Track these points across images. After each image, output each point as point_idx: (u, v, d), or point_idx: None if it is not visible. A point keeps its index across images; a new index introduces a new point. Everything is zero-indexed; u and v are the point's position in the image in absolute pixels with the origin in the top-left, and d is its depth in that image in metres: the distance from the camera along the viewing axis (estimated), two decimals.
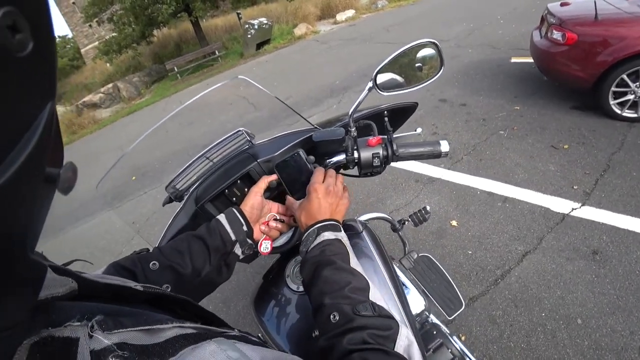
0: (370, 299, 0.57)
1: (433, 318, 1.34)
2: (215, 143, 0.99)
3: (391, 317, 0.54)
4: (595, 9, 3.01)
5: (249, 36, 11.91)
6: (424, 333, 1.29)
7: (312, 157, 0.86)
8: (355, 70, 6.49)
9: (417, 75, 0.93)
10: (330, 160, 0.92)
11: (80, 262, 0.57)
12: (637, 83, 2.99)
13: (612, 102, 3.14)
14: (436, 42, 0.86)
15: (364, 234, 0.99)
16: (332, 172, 0.81)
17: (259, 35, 12.03)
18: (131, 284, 0.43)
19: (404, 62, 0.91)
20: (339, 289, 0.56)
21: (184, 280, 0.67)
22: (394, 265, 1.07)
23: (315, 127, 0.98)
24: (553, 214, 2.46)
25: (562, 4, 3.50)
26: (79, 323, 0.31)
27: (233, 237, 0.74)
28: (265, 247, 0.83)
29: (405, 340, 0.51)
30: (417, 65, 0.92)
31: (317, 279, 0.60)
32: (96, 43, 17.93)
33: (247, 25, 12.00)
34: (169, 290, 0.64)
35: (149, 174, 4.79)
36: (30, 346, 0.26)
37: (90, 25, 17.38)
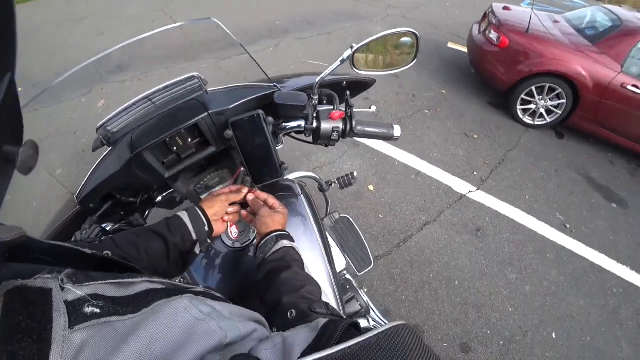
0: (323, 300, 0.64)
1: (346, 274, 1.49)
2: (162, 85, 0.88)
3: (342, 317, 0.61)
4: (530, 22, 3.35)
5: None
6: (339, 287, 1.43)
7: (270, 119, 0.82)
8: (299, 14, 6.09)
9: (390, 60, 0.95)
10: (287, 124, 0.90)
11: None
12: (541, 97, 3.50)
13: (518, 107, 3.64)
14: (417, 33, 0.88)
15: (302, 197, 1.04)
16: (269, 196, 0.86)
17: None
18: (77, 246, 0.41)
19: (380, 45, 0.92)
20: (296, 290, 0.62)
21: None
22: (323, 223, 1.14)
23: (275, 86, 0.93)
24: (454, 193, 2.84)
25: (505, 8, 3.80)
26: (49, 275, 0.30)
27: (194, 237, 0.73)
28: (234, 232, 0.84)
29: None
30: (393, 50, 0.93)
31: (275, 280, 0.66)
32: None
33: None
34: None
35: (42, 86, 3.92)
36: (4, 295, 0.26)
37: None
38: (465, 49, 4.38)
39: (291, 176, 1.18)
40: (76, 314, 0.28)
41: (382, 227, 2.51)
